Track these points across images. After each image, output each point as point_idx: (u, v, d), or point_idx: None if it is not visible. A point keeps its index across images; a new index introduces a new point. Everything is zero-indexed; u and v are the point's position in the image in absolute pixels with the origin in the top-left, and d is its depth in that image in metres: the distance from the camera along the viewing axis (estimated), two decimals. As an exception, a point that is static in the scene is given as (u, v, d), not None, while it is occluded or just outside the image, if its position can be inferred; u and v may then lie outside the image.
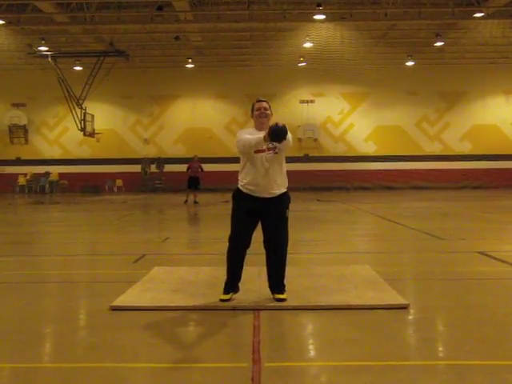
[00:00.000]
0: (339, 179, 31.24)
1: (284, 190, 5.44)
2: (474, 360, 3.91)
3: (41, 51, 26.02)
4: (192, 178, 20.75)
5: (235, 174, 5.65)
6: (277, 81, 30.89)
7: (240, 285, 5.50)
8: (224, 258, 5.52)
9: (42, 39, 24.85)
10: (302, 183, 30.66)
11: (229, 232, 5.45)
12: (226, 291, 5.38)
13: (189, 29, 24.86)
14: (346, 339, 4.34)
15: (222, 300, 5.31)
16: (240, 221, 5.38)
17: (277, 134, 4.92)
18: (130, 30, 24.81)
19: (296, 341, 4.47)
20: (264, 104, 5.48)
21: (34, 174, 31.70)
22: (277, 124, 4.93)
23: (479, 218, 15.04)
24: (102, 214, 17.60)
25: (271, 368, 3.75)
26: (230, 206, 5.57)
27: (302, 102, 31.88)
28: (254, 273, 6.27)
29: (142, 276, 6.49)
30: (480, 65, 30.35)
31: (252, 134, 5.27)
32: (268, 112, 5.46)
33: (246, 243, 5.41)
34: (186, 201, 20.81)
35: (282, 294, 5.35)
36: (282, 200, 5.41)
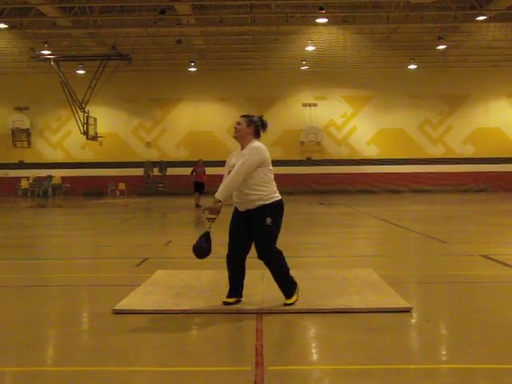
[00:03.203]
0: (342, 182, 31.20)
1: (263, 203, 5.28)
2: (477, 364, 3.89)
3: (43, 55, 26.02)
4: (197, 182, 20.73)
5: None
6: (279, 84, 30.90)
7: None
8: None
9: (45, 43, 24.87)
10: (304, 186, 30.69)
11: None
12: (230, 296, 5.38)
13: (191, 32, 24.87)
14: (349, 343, 4.34)
15: (226, 303, 5.31)
16: (231, 231, 5.43)
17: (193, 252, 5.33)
18: (133, 34, 24.83)
19: (299, 344, 4.47)
20: (238, 119, 5.46)
21: (37, 177, 31.67)
22: (197, 241, 5.32)
23: (482, 221, 15.00)
24: (104, 218, 17.60)
25: (274, 371, 3.74)
26: (231, 209, 5.58)
27: (305, 105, 31.85)
28: (257, 276, 6.27)
29: (145, 279, 6.49)
30: (483, 68, 30.28)
31: (236, 155, 5.44)
32: (238, 127, 5.38)
33: (240, 252, 5.37)
34: (197, 204, 20.49)
35: (288, 298, 5.32)
36: (259, 212, 5.27)
